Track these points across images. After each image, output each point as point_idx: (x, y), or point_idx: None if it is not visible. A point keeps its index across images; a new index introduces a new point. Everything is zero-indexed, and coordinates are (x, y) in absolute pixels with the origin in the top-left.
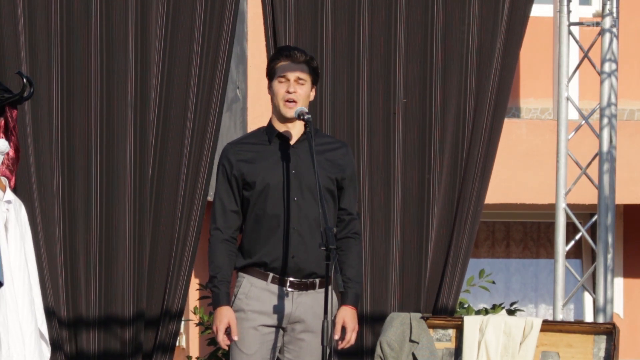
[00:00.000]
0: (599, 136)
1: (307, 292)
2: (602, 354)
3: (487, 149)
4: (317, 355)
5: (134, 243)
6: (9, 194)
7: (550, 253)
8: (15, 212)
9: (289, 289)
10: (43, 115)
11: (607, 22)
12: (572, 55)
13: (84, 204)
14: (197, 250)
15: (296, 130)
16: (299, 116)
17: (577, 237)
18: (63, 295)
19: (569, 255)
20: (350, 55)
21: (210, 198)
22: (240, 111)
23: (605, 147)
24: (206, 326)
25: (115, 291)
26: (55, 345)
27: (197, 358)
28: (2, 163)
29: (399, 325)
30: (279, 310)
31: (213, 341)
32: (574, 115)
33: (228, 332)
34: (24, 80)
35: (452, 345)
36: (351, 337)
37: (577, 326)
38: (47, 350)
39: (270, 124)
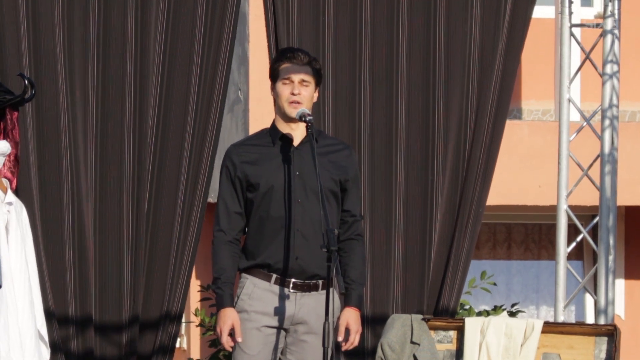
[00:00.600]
0: (601, 138)
1: (310, 293)
2: (603, 355)
3: (489, 150)
4: (319, 357)
5: (134, 244)
6: (10, 196)
7: (552, 254)
8: (17, 214)
9: (292, 291)
10: (44, 117)
11: (609, 23)
12: (573, 56)
13: (84, 205)
14: (197, 251)
15: (300, 131)
16: (301, 118)
17: (579, 238)
18: (63, 297)
19: (570, 256)
20: (351, 57)
21: (210, 200)
22: (242, 113)
23: (606, 149)
24: (207, 328)
25: (114, 293)
26: (55, 347)
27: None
28: (4, 165)
29: (400, 327)
30: (281, 311)
31: (214, 343)
32: (575, 116)
33: (232, 333)
34: (26, 82)
35: (453, 346)
36: (355, 339)
37: (578, 328)
38: (46, 352)
39: (273, 125)
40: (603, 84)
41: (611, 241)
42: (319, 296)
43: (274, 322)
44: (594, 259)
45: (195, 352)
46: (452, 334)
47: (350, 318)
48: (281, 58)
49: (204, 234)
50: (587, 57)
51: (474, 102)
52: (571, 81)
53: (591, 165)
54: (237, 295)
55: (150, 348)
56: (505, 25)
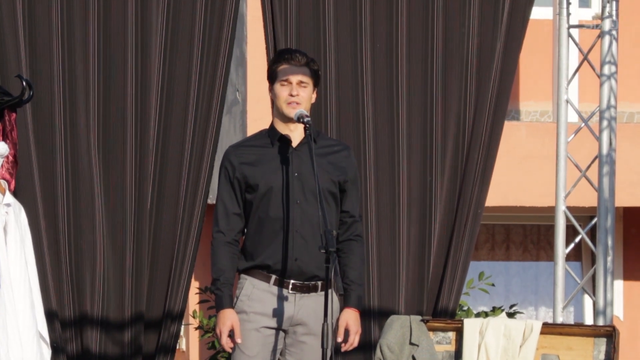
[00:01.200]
0: (599, 139)
1: (309, 294)
2: (602, 356)
3: (487, 151)
4: (318, 358)
5: (135, 245)
6: (9, 197)
7: (550, 256)
8: (15, 215)
9: (291, 292)
10: (44, 118)
11: (607, 24)
12: (571, 57)
13: (85, 207)
14: (197, 252)
15: (298, 132)
16: (299, 119)
17: (577, 239)
18: (64, 298)
19: (568, 257)
20: (351, 59)
21: (211, 201)
22: (240, 114)
23: (604, 150)
24: (205, 330)
25: (116, 293)
26: (57, 348)
27: None
28: (2, 166)
29: (399, 328)
30: (280, 312)
31: (213, 345)
32: (573, 117)
33: (231, 334)
34: (24, 83)
35: (452, 347)
36: (354, 340)
37: (577, 329)
38: (47, 353)
39: (272, 126)
40: (601, 85)
41: (609, 242)
42: (318, 297)
43: (273, 323)
44: (593, 260)
45: (194, 354)
46: (451, 335)
47: (350, 319)
48: (279, 59)
49: (202, 235)
50: (585, 58)
51: (472, 104)
52: (569, 82)
53: (589, 166)
54: (236, 296)
55: (152, 348)
56: (503, 27)
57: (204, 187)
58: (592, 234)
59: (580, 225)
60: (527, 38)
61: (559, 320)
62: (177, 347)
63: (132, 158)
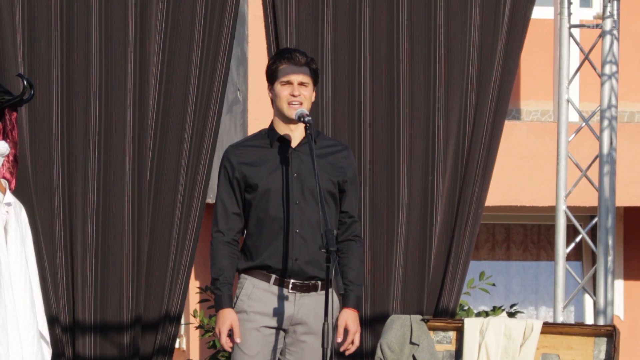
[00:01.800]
0: (600, 138)
1: (309, 294)
2: (602, 356)
3: (488, 151)
4: (318, 357)
5: (133, 245)
6: (9, 196)
7: (551, 255)
8: (16, 214)
9: (291, 291)
10: (41, 118)
11: (608, 24)
12: (572, 57)
13: (82, 207)
14: (195, 252)
15: (298, 132)
16: (300, 118)
17: (578, 239)
18: (62, 299)
19: (569, 257)
20: (351, 58)
21: (209, 200)
22: (241, 113)
23: (605, 149)
24: (206, 329)
25: (113, 294)
26: (55, 349)
27: None
28: (2, 165)
29: (400, 328)
30: (280, 312)
31: (213, 344)
32: (574, 117)
33: (231, 334)
34: (24, 82)
35: (452, 347)
36: (355, 340)
37: (577, 328)
38: (48, 352)
39: (271, 126)
40: (602, 84)
41: (610, 242)
42: (318, 297)
43: (273, 322)
44: (593, 259)
45: (195, 353)
46: (452, 334)
47: (349, 319)
48: (279, 59)
49: (202, 235)
50: (586, 57)
51: (473, 103)
52: (570, 82)
53: (590, 165)
54: (236, 296)
55: (150, 349)
56: (505, 26)
57: (201, 186)
58: (593, 233)
59: (580, 225)
60: (528, 38)
61: (560, 319)
62: (178, 347)
63: (130, 157)
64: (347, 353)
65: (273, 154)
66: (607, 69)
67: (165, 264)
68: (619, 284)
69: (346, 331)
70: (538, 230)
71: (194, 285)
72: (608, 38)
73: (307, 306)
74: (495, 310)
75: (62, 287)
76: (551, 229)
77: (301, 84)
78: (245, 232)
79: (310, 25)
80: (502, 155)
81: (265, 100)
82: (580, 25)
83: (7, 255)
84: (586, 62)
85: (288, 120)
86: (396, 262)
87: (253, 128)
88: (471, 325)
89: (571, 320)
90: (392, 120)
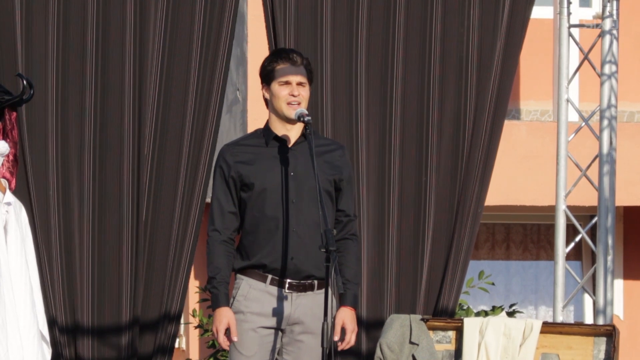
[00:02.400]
0: (599, 138)
1: (305, 293)
2: (602, 355)
3: (488, 151)
4: (315, 357)
5: (132, 245)
6: (9, 196)
7: (550, 255)
8: (16, 214)
9: (288, 291)
10: (39, 118)
11: (607, 24)
12: (572, 57)
13: (81, 206)
14: (195, 252)
15: (294, 132)
16: (299, 118)
17: (577, 238)
18: (60, 299)
19: (569, 257)
20: (349, 58)
21: (208, 200)
22: (240, 113)
23: (605, 149)
24: (205, 329)
25: (113, 294)
26: (54, 349)
27: None
28: (2, 165)
29: (399, 327)
30: (277, 312)
31: (213, 344)
32: (574, 117)
33: (228, 333)
34: (24, 82)
35: (452, 347)
36: (351, 338)
37: (577, 328)
38: (48, 353)
39: (267, 126)
40: (601, 84)
41: (610, 241)
42: (315, 296)
43: (270, 322)
44: (593, 259)
45: (194, 352)
46: (451, 334)
47: (346, 317)
48: (276, 59)
49: (202, 234)
50: (585, 57)
51: (473, 103)
52: (570, 81)
53: (590, 165)
54: (233, 297)
55: (150, 349)
56: (504, 26)
57: (201, 186)
58: (593, 233)
59: (580, 225)
60: (527, 37)
61: (559, 319)
62: (177, 346)
63: (129, 157)
64: (340, 349)
65: (269, 153)
66: (607, 69)
67: (164, 264)
68: (619, 283)
69: (344, 330)
70: (538, 229)
71: (193, 284)
72: (607, 38)
73: (303, 306)
74: (495, 309)
75: (60, 287)
76: (551, 229)
77: (299, 84)
78: (240, 231)
79: (309, 25)
80: (501, 155)
81: None
82: (580, 25)
83: (7, 255)
84: (586, 61)
85: (285, 120)
86: (390, 263)
87: (252, 128)
88: (471, 324)
89: (571, 319)
90: (388, 121)
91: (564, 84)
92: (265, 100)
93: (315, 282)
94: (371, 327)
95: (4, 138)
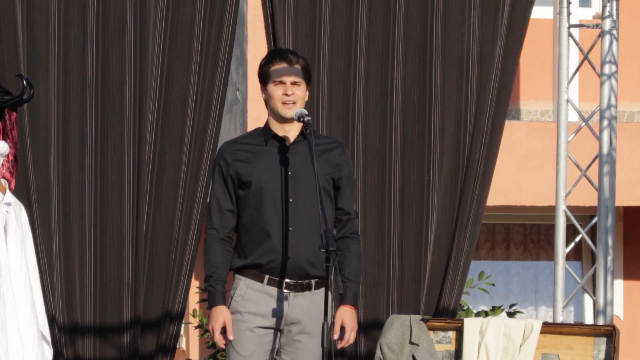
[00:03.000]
0: (599, 138)
1: (303, 293)
2: (602, 356)
3: (488, 151)
4: (313, 357)
5: (134, 246)
6: (9, 196)
7: (550, 255)
8: (16, 214)
9: (285, 291)
10: (41, 119)
11: (607, 24)
12: (572, 57)
13: (82, 207)
14: (197, 252)
15: (293, 131)
16: (299, 118)
17: (577, 239)
18: (61, 300)
19: (569, 257)
20: (348, 57)
21: None
22: (240, 113)
23: (605, 149)
24: (205, 329)
25: (114, 294)
26: (56, 351)
27: None
28: (2, 165)
29: (399, 327)
30: (275, 312)
31: (213, 344)
32: (574, 117)
33: (224, 331)
34: (24, 82)
35: (452, 347)
36: (350, 337)
37: (577, 328)
38: (49, 352)
39: (266, 125)
40: (601, 84)
41: (610, 242)
42: (312, 296)
43: (268, 322)
44: (593, 259)
45: (194, 352)
46: (451, 334)
47: (346, 316)
48: (271, 60)
49: (203, 235)
50: (585, 57)
51: (473, 103)
52: (569, 82)
53: (590, 165)
54: (230, 296)
55: (151, 349)
56: (504, 26)
57: (203, 186)
58: (593, 233)
59: (580, 225)
60: (527, 37)
61: (559, 319)
62: (177, 346)
63: (130, 157)
64: (339, 347)
65: (268, 152)
66: (607, 69)
67: (166, 263)
68: (619, 283)
69: (343, 328)
70: (538, 230)
71: (193, 285)
72: (607, 38)
73: (301, 306)
74: (495, 310)
75: (60, 287)
76: (551, 229)
77: (294, 83)
78: (238, 229)
79: (308, 26)
80: (501, 155)
81: None
82: (580, 25)
83: (7, 256)
84: (585, 62)
85: (282, 120)
86: (392, 264)
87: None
88: (471, 325)
89: (571, 320)
90: (388, 121)
91: (563, 84)
92: (265, 101)
93: (313, 281)
94: (373, 327)
95: (4, 138)
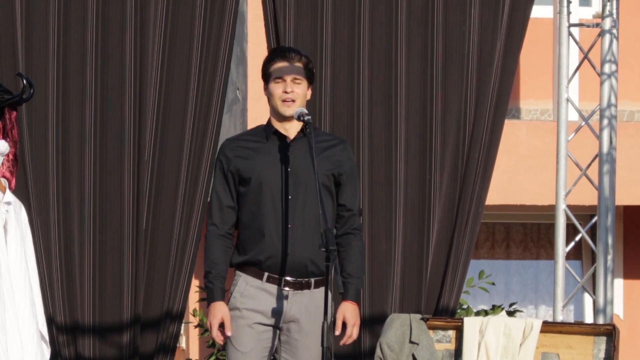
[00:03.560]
0: (599, 137)
1: (302, 291)
2: (602, 355)
3: (488, 150)
4: (311, 355)
5: (133, 245)
6: (9, 196)
7: (550, 254)
8: (15, 213)
9: (285, 288)
10: (39, 117)
11: (607, 23)
12: (572, 56)
13: (81, 206)
14: (197, 252)
15: (293, 129)
16: (299, 117)
17: (577, 238)
18: (60, 299)
19: (569, 256)
20: (350, 57)
21: None
22: (240, 112)
23: (605, 148)
24: (205, 328)
25: (114, 293)
26: (54, 350)
27: None
28: (2, 164)
29: (399, 327)
30: (274, 309)
31: (213, 343)
32: (574, 116)
33: (222, 327)
34: (24, 81)
35: (452, 346)
36: (352, 332)
37: (577, 327)
38: (47, 352)
39: (268, 122)
40: (601, 83)
41: (610, 241)
42: (312, 294)
43: (266, 320)
44: (593, 258)
45: (194, 352)
46: (451, 333)
47: (347, 311)
48: (273, 58)
49: (204, 234)
50: (585, 56)
51: (473, 102)
52: (569, 81)
53: (590, 164)
54: (230, 293)
55: (151, 348)
56: (504, 25)
57: (203, 185)
58: (593, 232)
59: (580, 224)
60: (527, 36)
61: (559, 318)
62: (178, 346)
63: (130, 156)
64: (341, 343)
65: (268, 148)
66: (607, 68)
67: (166, 262)
68: (619, 283)
69: (344, 324)
70: (538, 229)
71: (193, 284)
72: (607, 37)
73: (299, 304)
74: (495, 309)
75: (59, 286)
76: (551, 228)
77: (294, 80)
78: (238, 225)
79: (310, 24)
80: (501, 154)
81: (264, 99)
82: (580, 24)
83: (7, 255)
84: (585, 61)
85: (282, 118)
86: (395, 262)
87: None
88: (471, 324)
89: (571, 319)
90: (389, 120)
91: (563, 83)
92: (268, 99)
93: (313, 280)
94: (375, 325)
95: (4, 137)
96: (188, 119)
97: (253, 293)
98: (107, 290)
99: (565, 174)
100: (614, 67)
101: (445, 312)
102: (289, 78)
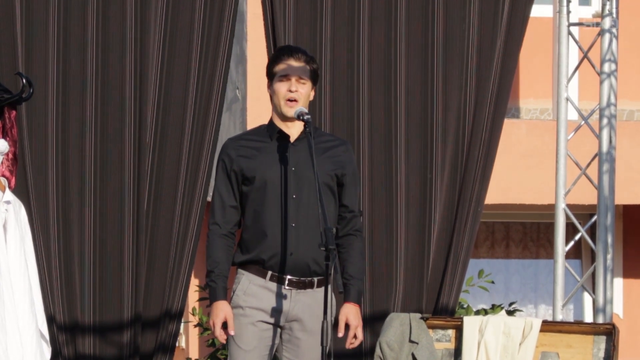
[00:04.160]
0: (599, 136)
1: (305, 290)
2: (601, 354)
3: (487, 149)
4: (313, 355)
5: (133, 244)
6: (9, 195)
7: (550, 253)
8: (15, 212)
9: (287, 288)
10: (39, 116)
11: (607, 22)
12: (571, 55)
13: (81, 205)
14: (196, 250)
15: (296, 128)
16: (299, 116)
17: (577, 237)
18: (60, 298)
19: (568, 255)
20: (349, 56)
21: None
22: (240, 111)
23: (604, 148)
24: (205, 327)
25: (113, 292)
26: (54, 349)
27: (197, 359)
28: (2, 163)
29: (399, 326)
30: (276, 308)
31: (213, 342)
32: (573, 115)
33: (225, 326)
34: (24, 80)
35: (451, 345)
36: (358, 334)
37: (576, 326)
38: (47, 351)
39: (271, 121)
40: (601, 82)
41: (609, 240)
42: (314, 294)
43: (269, 318)
44: (592, 257)
45: (194, 351)
46: (451, 332)
47: (350, 313)
48: (278, 56)
49: (203, 233)
50: (585, 55)
51: (473, 101)
52: (569, 80)
53: (589, 164)
54: (232, 291)
55: (151, 347)
56: (504, 24)
57: (202, 184)
58: (592, 231)
59: (580, 223)
60: (527, 36)
61: (559, 318)
62: (177, 345)
63: (129, 155)
64: (350, 347)
65: (271, 148)
66: (606, 67)
67: (166, 262)
68: (618, 282)
69: (347, 326)
70: (537, 228)
71: (192, 283)
72: (607, 36)
73: (302, 303)
74: (495, 308)
75: (59, 285)
76: (550, 227)
77: (299, 80)
78: (241, 225)
79: (309, 23)
80: (501, 153)
81: (264, 99)
82: (579, 24)
83: (7, 254)
84: (585, 60)
85: (285, 118)
86: (397, 261)
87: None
88: (470, 323)
89: (570, 318)
90: (389, 120)
91: (563, 83)
92: (270, 97)
93: (315, 279)
94: (376, 324)
95: (4, 136)
96: (188, 117)
97: (256, 291)
98: (107, 289)
99: (564, 173)
100: (613, 67)
101: (445, 311)
102: (294, 77)
